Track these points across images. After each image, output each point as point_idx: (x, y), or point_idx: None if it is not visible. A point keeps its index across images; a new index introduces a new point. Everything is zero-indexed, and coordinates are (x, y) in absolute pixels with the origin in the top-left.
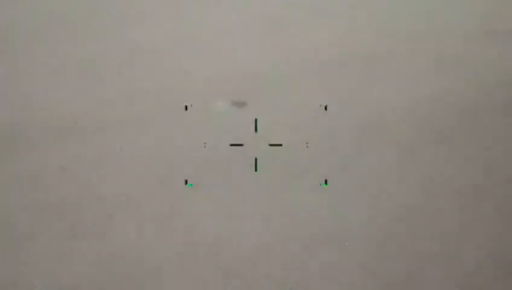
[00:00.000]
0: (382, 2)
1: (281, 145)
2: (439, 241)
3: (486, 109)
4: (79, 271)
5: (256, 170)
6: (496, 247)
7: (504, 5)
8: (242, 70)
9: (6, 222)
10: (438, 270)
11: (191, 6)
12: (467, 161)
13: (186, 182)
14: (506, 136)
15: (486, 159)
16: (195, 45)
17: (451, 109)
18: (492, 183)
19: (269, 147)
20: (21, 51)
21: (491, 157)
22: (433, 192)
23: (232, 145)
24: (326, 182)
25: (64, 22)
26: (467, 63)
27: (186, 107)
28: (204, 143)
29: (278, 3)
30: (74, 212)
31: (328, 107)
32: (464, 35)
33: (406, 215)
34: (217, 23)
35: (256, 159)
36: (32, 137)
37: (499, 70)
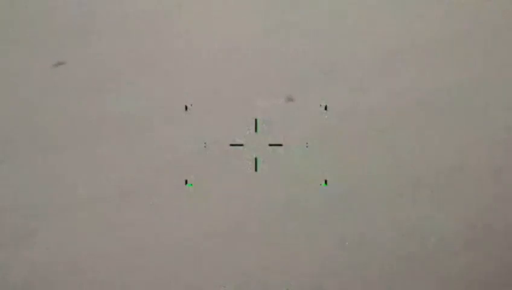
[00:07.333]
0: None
1: (281, 145)
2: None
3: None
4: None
5: (256, 170)
6: None
7: None
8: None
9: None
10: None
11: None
12: (468, 163)
13: (186, 182)
14: None
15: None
16: (196, 45)
17: (454, 108)
18: None
19: (269, 147)
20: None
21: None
22: (434, 191)
23: (232, 145)
24: (326, 182)
25: (64, 21)
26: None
27: (186, 107)
28: (205, 143)
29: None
30: (76, 211)
31: (328, 107)
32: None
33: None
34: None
35: (256, 159)
36: (39, 138)
37: None
